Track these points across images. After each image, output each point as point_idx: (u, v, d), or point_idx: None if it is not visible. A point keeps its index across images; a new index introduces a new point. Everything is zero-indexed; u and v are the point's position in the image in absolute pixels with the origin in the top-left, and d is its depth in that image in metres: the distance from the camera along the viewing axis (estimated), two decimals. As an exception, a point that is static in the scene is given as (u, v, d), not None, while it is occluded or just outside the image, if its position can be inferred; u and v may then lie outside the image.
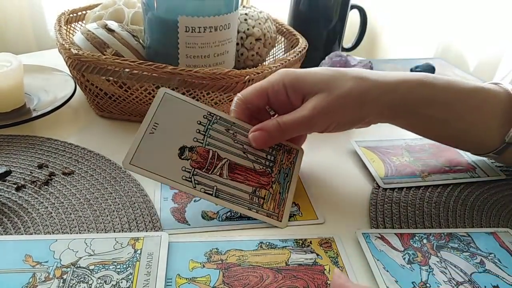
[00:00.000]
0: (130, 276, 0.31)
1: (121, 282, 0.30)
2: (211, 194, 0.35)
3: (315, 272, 0.32)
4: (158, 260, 0.32)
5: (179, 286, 0.30)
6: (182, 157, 0.36)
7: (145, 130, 0.36)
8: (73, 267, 0.31)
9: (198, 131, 0.37)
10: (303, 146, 0.43)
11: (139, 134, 0.35)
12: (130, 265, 0.31)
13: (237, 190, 0.37)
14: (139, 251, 0.33)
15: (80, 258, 0.32)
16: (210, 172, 0.36)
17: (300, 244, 0.35)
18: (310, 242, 0.35)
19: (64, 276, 0.30)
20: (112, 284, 0.30)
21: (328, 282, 0.31)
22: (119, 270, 0.31)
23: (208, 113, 0.39)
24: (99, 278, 0.30)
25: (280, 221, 0.37)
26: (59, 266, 0.31)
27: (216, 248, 0.34)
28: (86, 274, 0.31)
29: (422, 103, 0.38)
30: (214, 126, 0.38)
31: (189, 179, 0.35)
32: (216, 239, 0.35)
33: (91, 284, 0.30)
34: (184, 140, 0.37)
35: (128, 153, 0.34)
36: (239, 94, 0.41)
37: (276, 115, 0.42)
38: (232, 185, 0.37)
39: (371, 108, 0.38)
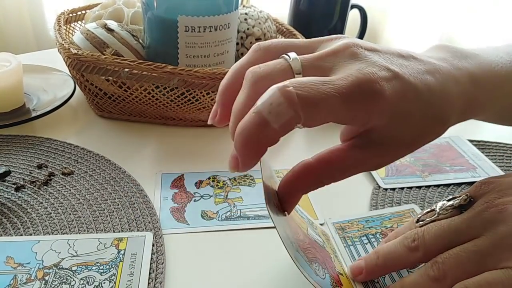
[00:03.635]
0: (113, 277, 0.30)
1: (104, 283, 0.30)
2: None
3: (326, 256, 0.32)
4: (142, 260, 0.32)
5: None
6: None
7: None
8: (55, 268, 0.31)
9: None
10: (303, 144, 0.42)
11: None
12: (113, 266, 0.31)
13: None
14: (122, 252, 0.32)
15: (63, 259, 0.32)
16: None
17: (311, 223, 0.34)
18: (316, 227, 0.35)
19: (46, 278, 0.30)
20: (95, 285, 0.30)
21: (337, 269, 0.31)
22: (102, 271, 0.31)
23: None
24: (81, 279, 0.30)
25: None
26: (41, 268, 0.31)
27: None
28: (69, 275, 0.30)
29: None
30: None
31: None
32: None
33: (73, 285, 0.30)
34: None
35: None
36: None
37: None
38: None
39: None
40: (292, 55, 0.25)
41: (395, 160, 0.27)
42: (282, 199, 0.26)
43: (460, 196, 0.29)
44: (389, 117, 0.25)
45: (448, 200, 0.29)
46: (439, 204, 0.29)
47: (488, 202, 0.27)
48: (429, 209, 0.30)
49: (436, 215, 0.29)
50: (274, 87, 0.22)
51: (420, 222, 0.29)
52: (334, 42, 0.26)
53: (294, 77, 0.23)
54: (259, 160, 0.23)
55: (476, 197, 0.28)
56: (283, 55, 0.25)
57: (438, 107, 0.26)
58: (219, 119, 0.27)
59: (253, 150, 0.23)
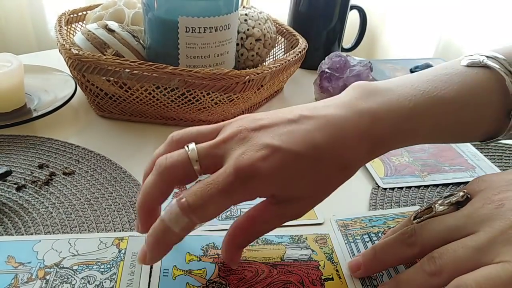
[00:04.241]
0: (113, 276, 0.31)
1: (105, 282, 0.30)
2: None
3: (310, 268, 0.32)
4: None
5: (175, 277, 0.31)
6: None
7: None
8: (56, 267, 0.31)
9: None
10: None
11: None
12: (114, 265, 0.31)
13: None
14: (123, 251, 0.33)
15: (64, 258, 0.32)
16: None
17: (296, 240, 0.35)
18: (306, 238, 0.35)
19: (47, 277, 0.30)
20: (96, 284, 0.30)
21: (323, 277, 0.32)
22: (102, 270, 0.31)
23: None
24: (82, 278, 0.30)
25: None
26: (42, 267, 0.31)
27: (213, 243, 0.34)
28: (70, 275, 0.30)
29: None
30: None
31: None
32: (212, 234, 0.35)
33: (74, 284, 0.30)
34: None
35: None
36: None
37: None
38: None
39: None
40: (191, 146, 0.28)
41: (312, 208, 0.29)
42: (227, 260, 0.30)
43: (457, 193, 0.29)
44: (277, 188, 0.27)
45: (446, 197, 0.30)
46: (436, 201, 0.30)
47: (485, 198, 0.28)
48: (426, 206, 0.30)
49: (433, 212, 0.29)
50: (174, 200, 0.27)
51: (418, 219, 0.30)
52: (230, 127, 0.29)
53: (192, 166, 0.28)
54: (164, 255, 0.29)
55: (473, 193, 0.29)
56: (185, 146, 0.28)
57: (333, 157, 0.28)
58: None
59: (159, 250, 0.28)
